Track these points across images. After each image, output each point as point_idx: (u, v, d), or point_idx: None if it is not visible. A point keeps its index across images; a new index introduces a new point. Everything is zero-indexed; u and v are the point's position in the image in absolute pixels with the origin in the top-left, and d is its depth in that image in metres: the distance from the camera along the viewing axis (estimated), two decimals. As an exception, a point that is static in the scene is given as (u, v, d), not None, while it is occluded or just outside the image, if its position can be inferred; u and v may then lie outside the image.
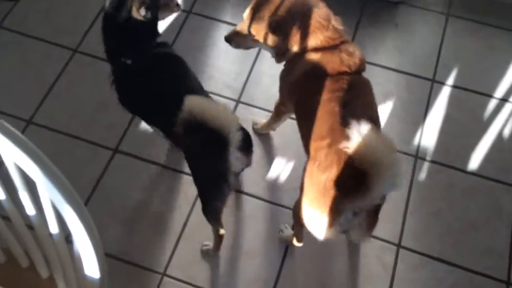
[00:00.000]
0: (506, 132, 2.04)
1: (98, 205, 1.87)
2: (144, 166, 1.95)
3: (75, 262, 1.00)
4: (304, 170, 1.44)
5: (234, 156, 1.35)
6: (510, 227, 1.84)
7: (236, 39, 1.63)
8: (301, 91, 1.54)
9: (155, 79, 1.60)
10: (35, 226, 1.01)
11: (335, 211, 1.29)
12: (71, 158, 1.95)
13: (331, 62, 1.47)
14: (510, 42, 2.29)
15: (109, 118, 2.04)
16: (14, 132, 0.80)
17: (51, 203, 0.89)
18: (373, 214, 1.42)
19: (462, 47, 2.27)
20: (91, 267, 0.94)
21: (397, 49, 2.28)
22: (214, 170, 1.41)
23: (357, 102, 1.42)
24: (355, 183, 1.21)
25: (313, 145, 1.41)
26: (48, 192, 0.83)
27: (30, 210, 0.97)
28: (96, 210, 1.84)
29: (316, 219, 1.36)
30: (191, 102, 1.28)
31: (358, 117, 1.25)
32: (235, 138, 1.29)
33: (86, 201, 1.87)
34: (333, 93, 1.42)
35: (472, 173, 1.95)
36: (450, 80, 2.17)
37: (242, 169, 1.61)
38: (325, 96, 1.42)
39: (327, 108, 1.40)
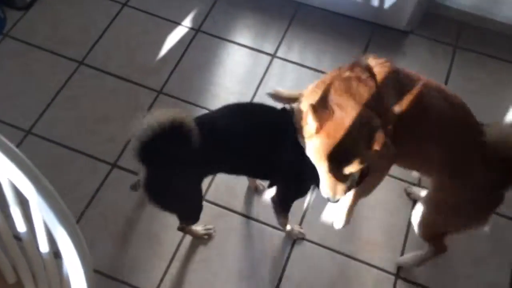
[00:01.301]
0: None
1: (91, 219, 1.83)
2: (142, 183, 1.93)
3: (63, 280, 0.97)
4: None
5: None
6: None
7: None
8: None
9: None
10: (24, 241, 0.98)
11: None
12: (69, 171, 1.92)
13: None
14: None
15: (110, 132, 2.02)
16: (10, 147, 0.76)
17: (43, 221, 0.86)
18: None
19: (469, 79, 2.27)
20: (79, 286, 0.90)
21: (403, 78, 2.27)
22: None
23: None
24: None
25: None
26: (41, 211, 0.80)
27: (20, 225, 0.94)
28: (89, 224, 1.82)
29: None
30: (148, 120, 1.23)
31: None
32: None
33: (80, 214, 1.84)
34: None
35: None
36: (456, 111, 2.16)
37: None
38: None
39: None
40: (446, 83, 2.25)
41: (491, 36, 2.38)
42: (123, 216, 1.86)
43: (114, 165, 1.96)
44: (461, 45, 2.36)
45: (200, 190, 1.57)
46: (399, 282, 1.76)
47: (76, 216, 1.83)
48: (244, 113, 1.47)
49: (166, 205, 1.49)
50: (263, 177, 1.69)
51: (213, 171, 1.62)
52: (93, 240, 1.79)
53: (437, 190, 1.50)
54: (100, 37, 2.29)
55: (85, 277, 0.84)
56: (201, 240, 1.82)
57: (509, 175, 1.35)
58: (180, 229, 1.74)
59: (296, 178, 1.47)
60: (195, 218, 1.67)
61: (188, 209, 1.60)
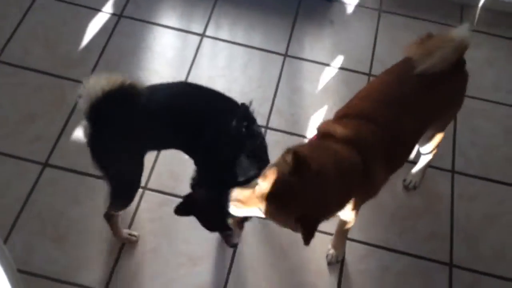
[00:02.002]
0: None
1: (28, 224, 1.73)
2: (78, 179, 1.84)
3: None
4: None
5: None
6: (450, 210, 1.90)
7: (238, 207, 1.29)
8: None
9: None
10: None
11: None
12: (-4, 176, 1.81)
13: None
14: (440, 34, 2.37)
15: (36, 130, 1.91)
16: None
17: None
18: None
19: (395, 41, 2.33)
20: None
21: (333, 46, 2.30)
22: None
23: None
24: None
25: None
26: None
27: None
28: (26, 229, 1.72)
29: None
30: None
31: None
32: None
33: (14, 219, 1.73)
34: None
35: (410, 161, 1.99)
36: (385, 73, 2.22)
37: None
38: None
39: None
40: (374, 46, 2.30)
41: (412, -2, 2.46)
42: (61, 216, 1.77)
43: (45, 164, 1.85)
44: (385, 9, 2.43)
45: (141, 165, 1.51)
46: (348, 243, 1.79)
47: (10, 221, 1.72)
48: (198, 94, 1.48)
49: (106, 167, 1.44)
50: (190, 153, 1.58)
51: (155, 143, 1.55)
52: (32, 244, 1.70)
53: None
54: (14, 31, 2.14)
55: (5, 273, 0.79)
56: (147, 229, 1.77)
57: None
58: (106, 217, 1.64)
59: (217, 171, 1.42)
60: (128, 199, 1.58)
61: (124, 182, 1.52)
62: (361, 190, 1.38)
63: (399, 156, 1.52)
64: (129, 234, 1.75)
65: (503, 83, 2.22)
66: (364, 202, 1.50)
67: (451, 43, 1.45)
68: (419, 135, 1.57)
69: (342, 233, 1.70)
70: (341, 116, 1.46)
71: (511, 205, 1.92)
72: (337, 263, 1.76)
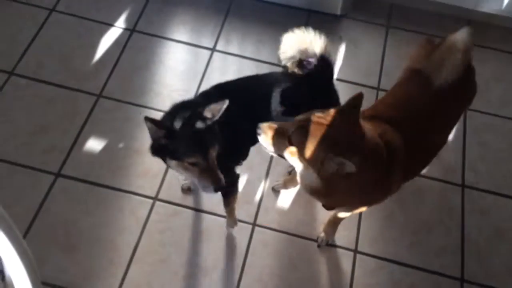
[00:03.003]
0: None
1: (39, 233, 1.75)
2: (89, 189, 1.86)
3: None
4: None
5: None
6: (460, 225, 1.89)
7: (270, 135, 1.32)
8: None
9: None
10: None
11: None
12: (9, 186, 1.82)
13: None
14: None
15: (49, 141, 1.94)
16: None
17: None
18: None
19: (402, 56, 2.35)
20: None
21: (342, 61, 2.33)
22: None
23: None
24: None
25: None
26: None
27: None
28: (37, 238, 1.73)
29: None
30: None
31: None
32: None
33: (26, 230, 1.74)
34: None
35: (421, 175, 1.99)
36: (394, 88, 2.24)
37: None
38: None
39: None
40: (382, 61, 2.33)
41: (419, 14, 2.48)
42: (73, 226, 1.78)
43: (58, 175, 1.87)
44: (392, 25, 2.46)
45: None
46: (358, 256, 1.80)
47: (22, 231, 1.73)
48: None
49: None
50: None
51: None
52: (44, 253, 1.70)
53: None
54: (29, 45, 2.19)
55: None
56: (157, 239, 1.78)
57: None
58: None
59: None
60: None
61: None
62: (377, 187, 1.38)
63: (418, 165, 1.55)
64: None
65: (510, 98, 2.23)
66: (370, 203, 1.50)
67: (457, 50, 1.47)
68: (442, 144, 1.59)
69: (335, 221, 1.74)
70: (369, 117, 1.46)
71: (522, 219, 1.91)
72: (327, 245, 1.81)
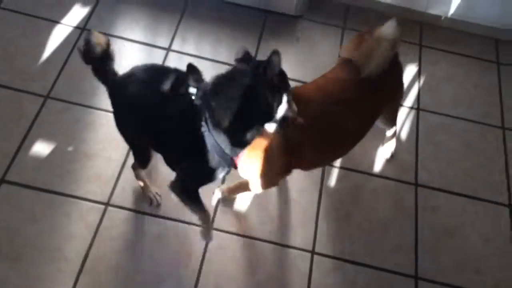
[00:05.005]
0: (403, 134, 2.15)
1: (-19, 243, 1.64)
2: (36, 196, 1.77)
3: None
4: None
5: None
6: (414, 223, 1.92)
7: None
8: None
9: None
10: None
11: None
12: None
13: None
14: (400, 51, 2.44)
15: (-8, 145, 1.83)
16: None
17: None
18: None
19: (358, 57, 2.38)
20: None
21: (299, 62, 2.33)
22: None
23: None
24: None
25: None
26: None
27: None
28: (-22, 250, 1.63)
29: None
30: None
31: None
32: None
33: (-35, 240, 1.64)
34: None
35: (376, 175, 2.02)
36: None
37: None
38: None
39: None
40: (338, 62, 2.34)
41: (374, 16, 2.52)
42: (17, 234, 1.69)
43: (1, 181, 1.77)
44: (348, 26, 2.48)
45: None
46: (316, 257, 1.80)
47: (-40, 242, 1.63)
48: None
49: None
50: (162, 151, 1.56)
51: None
52: (-16, 266, 1.60)
53: None
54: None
55: None
56: (110, 246, 1.71)
57: None
58: (133, 167, 1.77)
59: (193, 156, 1.41)
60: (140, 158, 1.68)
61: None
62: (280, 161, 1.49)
63: (325, 152, 1.62)
64: (156, 193, 1.81)
65: (462, 99, 2.31)
66: (267, 178, 1.56)
67: (384, 42, 1.53)
68: (356, 138, 1.67)
69: (241, 188, 1.77)
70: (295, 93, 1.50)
71: (471, 216, 1.97)
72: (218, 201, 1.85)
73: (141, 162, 1.71)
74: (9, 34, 2.13)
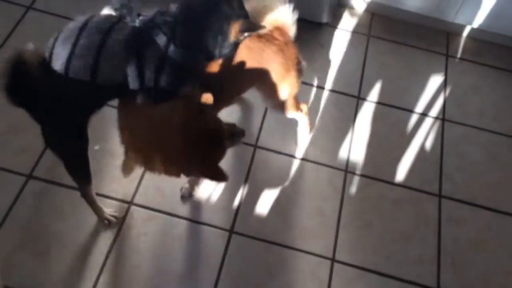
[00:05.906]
0: (427, 145, 2.13)
1: (8, 237, 1.68)
2: (63, 193, 1.80)
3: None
4: None
5: None
6: (437, 235, 1.90)
7: None
8: None
9: None
10: None
11: None
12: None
13: None
14: (427, 60, 2.43)
15: (21, 143, 1.87)
16: None
17: None
18: None
19: (383, 65, 2.38)
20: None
21: (324, 68, 2.33)
22: None
23: None
24: None
25: None
26: None
27: None
28: (6, 243, 1.67)
29: None
30: None
31: None
32: None
33: (-6, 233, 1.68)
34: None
35: (399, 185, 2.00)
36: (374, 97, 2.25)
37: None
38: None
39: None
40: (363, 70, 2.34)
41: (399, 24, 2.51)
42: (44, 230, 1.72)
43: (29, 176, 1.81)
44: (373, 34, 2.48)
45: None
46: (336, 265, 1.79)
47: (-12, 235, 1.67)
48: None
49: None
50: None
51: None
52: (12, 258, 1.64)
53: None
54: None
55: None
56: (131, 246, 1.73)
57: None
58: (82, 195, 1.63)
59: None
60: (79, 171, 1.53)
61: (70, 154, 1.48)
62: None
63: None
64: (110, 215, 1.74)
65: (489, 111, 2.27)
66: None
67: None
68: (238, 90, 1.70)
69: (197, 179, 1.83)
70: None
71: (498, 231, 1.93)
72: (190, 197, 1.85)
73: (84, 174, 1.55)
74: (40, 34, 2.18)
